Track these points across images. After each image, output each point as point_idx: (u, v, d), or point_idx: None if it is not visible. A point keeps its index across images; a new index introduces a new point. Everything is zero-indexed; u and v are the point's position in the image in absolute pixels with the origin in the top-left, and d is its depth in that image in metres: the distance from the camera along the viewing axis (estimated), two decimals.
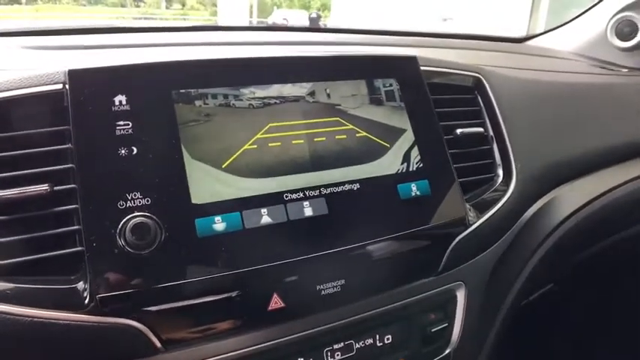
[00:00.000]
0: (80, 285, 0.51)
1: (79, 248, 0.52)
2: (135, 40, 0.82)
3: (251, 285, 0.55)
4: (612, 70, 1.25)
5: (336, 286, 0.60)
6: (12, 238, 0.51)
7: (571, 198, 0.95)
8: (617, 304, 1.43)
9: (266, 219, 0.57)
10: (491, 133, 0.80)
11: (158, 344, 0.53)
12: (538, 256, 0.87)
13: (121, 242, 0.50)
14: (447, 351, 0.72)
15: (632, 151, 1.09)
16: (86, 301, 0.50)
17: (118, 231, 0.51)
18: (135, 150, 0.54)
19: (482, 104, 0.82)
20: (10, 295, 0.49)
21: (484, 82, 0.83)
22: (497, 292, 0.80)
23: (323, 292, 0.59)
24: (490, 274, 0.77)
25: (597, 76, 1.21)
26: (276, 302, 0.57)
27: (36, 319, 0.49)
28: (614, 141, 1.06)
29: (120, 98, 0.55)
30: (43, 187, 0.52)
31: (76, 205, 0.53)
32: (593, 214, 0.97)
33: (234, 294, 0.55)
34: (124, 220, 0.51)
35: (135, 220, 0.50)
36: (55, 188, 0.53)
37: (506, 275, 0.81)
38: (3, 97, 0.54)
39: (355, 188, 0.62)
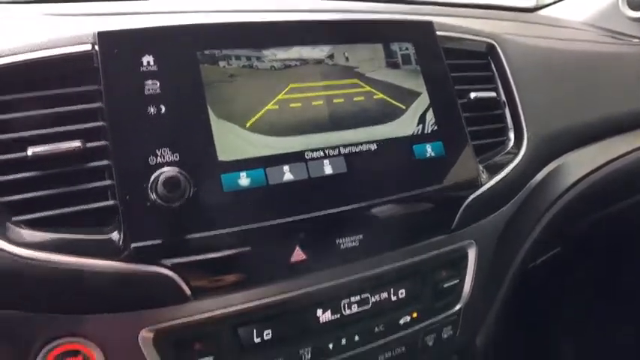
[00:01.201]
0: (115, 235, 0.53)
1: (112, 202, 0.55)
2: (157, 8, 0.83)
3: (274, 238, 0.58)
4: (623, 39, 1.26)
5: (354, 241, 0.62)
6: (47, 192, 0.54)
7: (579, 164, 0.97)
8: (624, 271, 1.46)
9: (288, 176, 0.59)
10: (503, 98, 0.82)
11: (188, 292, 0.56)
12: (546, 219, 0.90)
13: (152, 195, 0.53)
14: (458, 307, 0.75)
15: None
16: (121, 250, 0.53)
17: (149, 185, 0.53)
18: (163, 108, 0.56)
19: (495, 70, 0.84)
20: (48, 244, 0.52)
21: (497, 48, 0.84)
22: (507, 253, 0.83)
23: (342, 246, 0.62)
24: (500, 235, 0.80)
25: (608, 46, 1.21)
26: (297, 255, 0.60)
27: (73, 266, 0.52)
28: (623, 109, 1.07)
29: (148, 59, 0.57)
30: (76, 144, 0.55)
31: (108, 162, 0.55)
32: (601, 181, 1.00)
33: (258, 246, 0.58)
34: (155, 174, 0.53)
35: (166, 173, 0.53)
36: (87, 145, 0.55)
37: (515, 236, 0.84)
38: (35, 58, 0.56)
39: (372, 148, 0.65)
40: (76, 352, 0.56)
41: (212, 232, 0.55)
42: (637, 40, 1.27)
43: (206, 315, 0.58)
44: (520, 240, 0.85)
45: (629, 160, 1.07)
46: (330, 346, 0.65)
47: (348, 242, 0.62)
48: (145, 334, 0.56)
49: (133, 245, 0.52)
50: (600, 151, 1.02)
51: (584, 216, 1.05)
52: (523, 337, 1.48)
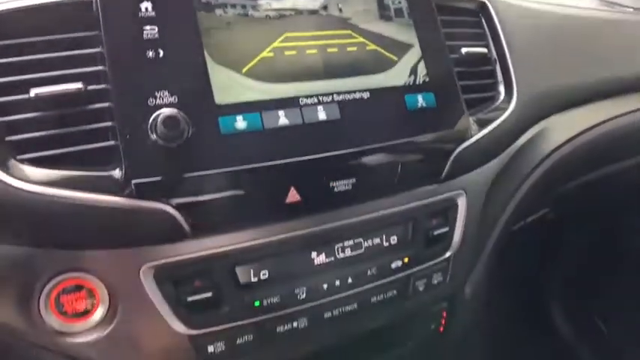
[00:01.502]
0: (116, 172, 0.55)
1: (113, 142, 0.57)
2: None
3: (270, 179, 0.60)
4: (617, 8, 1.27)
5: (347, 184, 0.65)
6: (50, 132, 0.56)
7: (565, 127, 1.00)
8: (612, 234, 1.49)
9: (283, 120, 0.62)
10: (494, 54, 0.84)
11: (187, 229, 0.58)
12: (531, 180, 0.92)
13: (152, 135, 0.55)
14: (448, 254, 0.77)
15: (628, 86, 1.12)
16: (122, 187, 0.55)
17: (149, 125, 0.55)
18: (161, 53, 0.58)
19: (486, 27, 0.85)
20: (51, 180, 0.54)
21: (489, 6, 0.86)
22: (495, 207, 0.85)
23: (336, 189, 0.64)
24: (489, 189, 0.82)
25: (602, 12, 1.23)
26: (292, 196, 0.62)
27: (76, 201, 0.54)
28: (612, 74, 1.09)
29: (146, 5, 0.59)
30: (77, 86, 0.56)
31: (109, 104, 0.57)
32: (588, 144, 1.02)
33: (255, 186, 0.60)
34: (155, 114, 0.55)
35: (165, 113, 0.55)
36: (89, 88, 0.57)
37: (503, 192, 0.86)
38: (37, 4, 0.58)
39: (365, 97, 0.67)
40: (79, 287, 0.59)
41: (210, 172, 0.57)
42: (631, 10, 1.28)
43: (205, 253, 0.61)
44: (507, 196, 0.88)
45: (615, 124, 1.10)
46: (325, 286, 0.67)
47: (341, 185, 0.64)
48: (146, 270, 0.59)
49: (134, 182, 0.55)
50: (587, 114, 1.05)
51: (570, 179, 1.07)
52: (511, 291, 1.52)
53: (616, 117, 1.10)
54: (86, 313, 0.60)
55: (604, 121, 1.06)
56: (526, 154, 0.90)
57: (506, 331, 1.60)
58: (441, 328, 0.86)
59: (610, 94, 1.09)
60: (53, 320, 0.58)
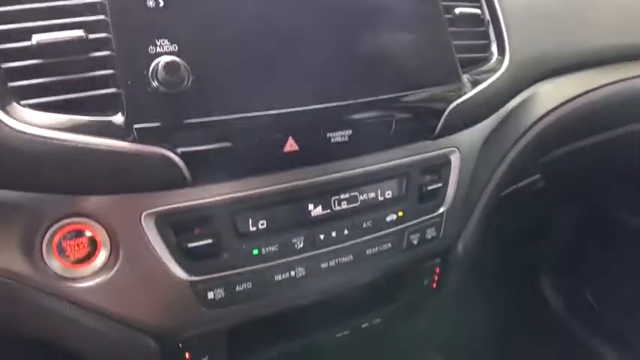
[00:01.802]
0: (118, 118, 0.56)
1: (115, 90, 0.58)
2: None
3: (269, 127, 0.62)
4: None
5: (343, 136, 0.66)
6: (52, 78, 0.57)
7: (558, 91, 1.01)
8: (601, 201, 1.52)
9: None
10: (487, 16, 0.85)
11: (188, 176, 0.59)
12: (524, 141, 0.94)
13: (154, 83, 0.56)
14: (441, 210, 0.79)
15: (622, 54, 1.13)
16: (124, 132, 0.56)
17: (150, 72, 0.56)
18: (162, 2, 0.59)
19: None
20: (54, 124, 0.55)
21: None
22: (487, 167, 0.87)
23: (332, 140, 0.66)
24: (481, 148, 0.84)
25: None
26: (290, 145, 0.63)
27: (79, 144, 0.55)
28: (606, 42, 1.10)
29: None
30: (79, 33, 0.57)
31: (110, 52, 0.58)
32: (578, 110, 1.04)
33: (254, 134, 0.61)
34: (156, 61, 0.56)
35: (165, 59, 0.55)
36: (90, 36, 0.58)
37: (495, 152, 0.88)
38: None
39: (362, 49, 0.68)
40: (81, 233, 0.60)
41: (210, 119, 0.58)
42: None
43: (205, 201, 0.62)
44: (499, 157, 0.90)
45: (606, 92, 1.11)
46: (322, 237, 0.69)
47: (337, 137, 0.66)
48: (148, 216, 0.60)
49: (135, 127, 0.56)
50: (580, 81, 1.06)
51: (559, 145, 1.09)
52: (502, 263, 1.55)
53: (607, 85, 1.11)
54: (88, 258, 0.61)
55: (595, 89, 1.08)
56: (517, 117, 0.92)
57: (498, 302, 1.64)
58: (434, 285, 0.88)
59: (603, 62, 1.11)
60: (56, 265, 0.60)
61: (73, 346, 0.65)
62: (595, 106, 1.09)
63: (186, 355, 0.70)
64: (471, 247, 0.88)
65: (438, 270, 0.87)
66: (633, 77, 1.15)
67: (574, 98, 1.04)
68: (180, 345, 0.69)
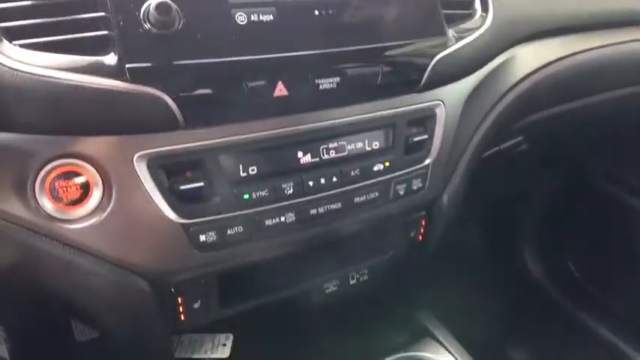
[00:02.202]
0: (111, 57, 0.57)
1: (107, 32, 0.58)
2: None
3: (260, 70, 0.63)
4: None
5: (331, 83, 0.68)
6: (45, 20, 0.57)
7: (543, 53, 1.03)
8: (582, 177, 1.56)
9: (270, 17, 0.64)
10: None
11: (180, 117, 0.60)
12: (507, 100, 0.96)
13: (145, 23, 0.57)
14: (427, 161, 0.81)
15: (601, 21, 1.16)
16: (116, 72, 0.57)
17: (142, 12, 0.57)
18: None
19: None
20: (48, 63, 0.55)
21: None
22: (471, 122, 0.89)
23: (321, 87, 0.67)
24: (465, 103, 0.86)
25: None
26: (280, 89, 0.65)
27: (71, 82, 0.56)
28: (586, 8, 1.12)
29: None
30: None
31: None
32: (563, 73, 1.06)
33: (244, 78, 0.62)
34: (147, 2, 0.57)
35: (157, 0, 0.56)
36: None
37: (479, 108, 0.90)
38: None
39: (351, 3, 0.69)
40: (73, 174, 0.61)
41: (201, 61, 0.59)
42: None
43: (197, 144, 0.63)
44: (483, 113, 0.91)
45: (591, 56, 1.14)
46: (311, 183, 0.71)
47: (326, 83, 0.67)
48: (140, 158, 0.61)
49: (127, 66, 0.56)
50: (566, 43, 1.08)
51: (542, 107, 1.12)
52: (484, 230, 1.59)
53: (587, 50, 1.14)
54: (81, 200, 0.62)
55: (576, 53, 1.10)
56: (499, 77, 0.94)
57: (480, 269, 1.68)
58: (420, 237, 0.90)
59: (585, 28, 1.12)
60: (48, 206, 0.60)
61: (67, 289, 0.65)
62: (574, 71, 1.11)
63: (179, 300, 0.71)
64: (455, 201, 0.90)
65: (423, 222, 0.90)
66: (614, 44, 1.18)
67: (554, 62, 1.06)
68: (173, 290, 0.70)
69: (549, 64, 1.05)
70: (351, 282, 0.97)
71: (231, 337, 0.95)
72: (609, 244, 1.62)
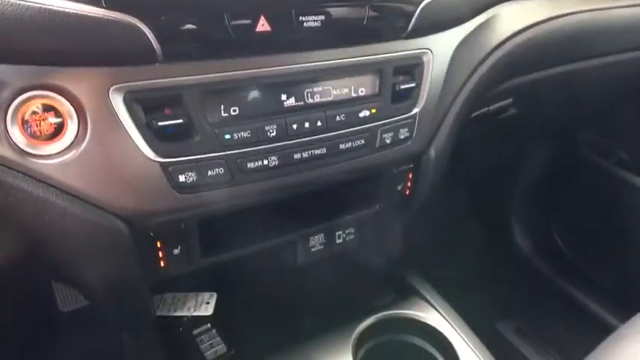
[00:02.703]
0: None
1: None
2: None
3: (242, 3, 0.61)
4: None
5: (315, 21, 0.66)
6: None
7: (523, 14, 1.01)
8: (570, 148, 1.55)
9: None
10: None
11: (158, 49, 0.58)
12: (495, 56, 0.94)
13: None
14: (415, 110, 0.80)
15: None
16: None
17: None
18: None
19: None
20: None
21: None
22: (459, 74, 0.87)
23: (305, 24, 0.65)
24: (453, 55, 0.84)
25: None
26: (263, 24, 0.63)
27: (46, 7, 0.53)
28: None
29: None
30: None
31: None
32: (542, 37, 1.04)
33: (227, 9, 0.60)
34: None
35: None
36: None
37: (467, 61, 0.88)
38: None
39: None
40: (47, 107, 0.58)
41: None
42: None
43: (175, 79, 0.61)
44: (471, 67, 0.90)
45: (572, 20, 1.12)
46: (294, 126, 0.69)
47: (310, 21, 0.65)
48: (115, 91, 0.59)
49: None
50: (546, 6, 1.06)
51: (531, 68, 1.10)
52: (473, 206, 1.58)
53: (584, 11, 1.12)
54: (56, 135, 0.59)
55: (564, 15, 1.08)
56: (488, 31, 0.92)
57: (468, 242, 1.67)
58: (407, 191, 0.89)
59: None
60: (20, 139, 0.58)
61: (42, 229, 0.63)
62: (564, 34, 1.09)
63: (158, 244, 0.69)
64: (442, 155, 0.89)
65: (411, 176, 0.88)
66: (610, 8, 1.16)
67: (542, 22, 1.05)
68: (152, 234, 0.68)
69: (537, 24, 1.03)
70: (338, 241, 0.96)
71: (215, 295, 0.94)
72: (597, 218, 1.61)
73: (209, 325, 0.91)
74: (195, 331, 0.91)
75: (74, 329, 1.26)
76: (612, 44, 1.24)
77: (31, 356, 1.23)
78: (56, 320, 1.28)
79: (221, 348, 0.88)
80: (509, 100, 1.12)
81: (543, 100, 1.26)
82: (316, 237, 0.94)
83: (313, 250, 0.94)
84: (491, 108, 1.09)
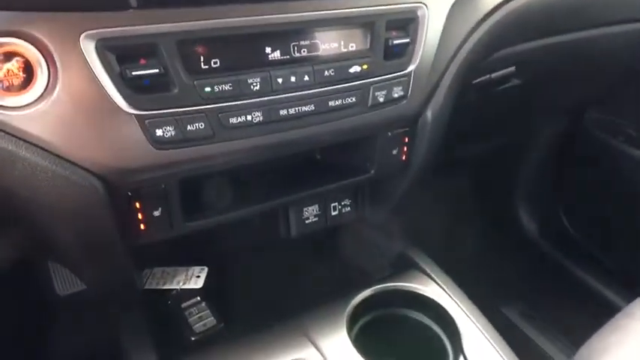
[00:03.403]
0: None
1: None
2: None
3: None
4: None
5: None
6: None
7: None
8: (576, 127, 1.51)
9: None
10: None
11: None
12: (492, 20, 0.90)
13: None
14: (410, 68, 0.76)
15: None
16: None
17: None
18: None
19: None
20: None
21: None
22: (456, 34, 0.83)
23: None
24: (449, 11, 0.80)
25: None
26: None
27: None
28: None
29: None
30: None
31: None
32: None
33: None
34: None
35: None
36: None
37: (463, 21, 0.83)
38: None
39: None
40: (13, 55, 0.55)
41: None
42: None
43: (150, 27, 0.58)
44: (467, 29, 0.85)
45: None
46: (280, 80, 0.65)
47: None
48: (87, 38, 0.55)
49: None
50: None
51: (531, 35, 1.05)
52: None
53: None
54: (25, 86, 0.56)
55: None
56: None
57: (472, 220, 1.63)
58: (404, 156, 0.85)
59: None
60: None
61: (11, 184, 0.59)
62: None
63: (137, 205, 0.66)
64: (439, 119, 0.84)
65: (407, 140, 0.84)
66: None
67: None
68: (130, 193, 0.65)
69: None
70: (333, 213, 0.93)
71: (205, 269, 0.90)
72: (605, 198, 1.56)
73: (198, 298, 0.88)
74: (184, 304, 0.87)
75: (72, 313, 1.24)
76: (616, 13, 1.19)
77: (29, 340, 1.21)
78: (53, 304, 1.26)
79: (210, 321, 0.84)
80: (512, 69, 1.08)
81: (547, 72, 1.21)
82: (310, 208, 0.90)
83: (307, 222, 0.90)
84: (493, 76, 1.04)
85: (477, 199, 1.76)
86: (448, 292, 0.89)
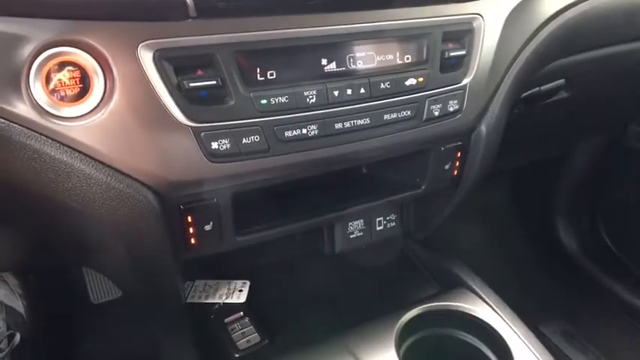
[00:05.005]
0: None
1: None
2: None
3: None
4: None
5: None
6: None
7: None
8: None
9: None
10: None
11: (190, 4, 0.54)
12: (548, 30, 0.87)
13: None
14: (465, 81, 0.73)
15: None
16: None
17: None
18: None
19: None
20: None
21: None
22: (512, 45, 0.80)
23: None
24: (505, 22, 0.78)
25: None
26: None
27: None
28: None
29: None
30: None
31: None
32: (598, 10, 0.96)
33: None
34: None
35: None
36: None
37: (519, 33, 0.81)
38: None
39: None
40: (71, 65, 0.54)
41: None
42: None
43: (209, 37, 0.56)
44: (523, 39, 0.82)
45: None
46: (336, 93, 0.63)
47: None
48: (145, 48, 0.55)
49: None
50: None
51: (583, 47, 1.02)
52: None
53: None
54: (81, 96, 0.55)
55: None
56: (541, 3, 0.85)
57: (512, 238, 1.58)
58: (455, 171, 0.82)
59: None
60: (44, 99, 0.54)
61: (65, 196, 0.58)
62: (620, 10, 1.01)
63: (189, 219, 0.64)
64: (494, 133, 0.82)
65: (459, 154, 0.81)
66: None
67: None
68: (182, 207, 0.63)
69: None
70: (378, 228, 0.90)
71: (248, 283, 0.88)
72: None
73: (242, 313, 0.86)
74: (227, 320, 0.85)
75: (106, 321, 1.24)
76: None
77: (62, 349, 1.20)
78: (88, 312, 1.26)
79: (254, 337, 0.82)
80: (562, 81, 1.05)
81: (598, 84, 1.17)
82: (355, 222, 0.88)
83: (352, 237, 0.88)
84: (542, 88, 1.01)
85: (516, 213, 1.71)
86: (500, 313, 0.85)
